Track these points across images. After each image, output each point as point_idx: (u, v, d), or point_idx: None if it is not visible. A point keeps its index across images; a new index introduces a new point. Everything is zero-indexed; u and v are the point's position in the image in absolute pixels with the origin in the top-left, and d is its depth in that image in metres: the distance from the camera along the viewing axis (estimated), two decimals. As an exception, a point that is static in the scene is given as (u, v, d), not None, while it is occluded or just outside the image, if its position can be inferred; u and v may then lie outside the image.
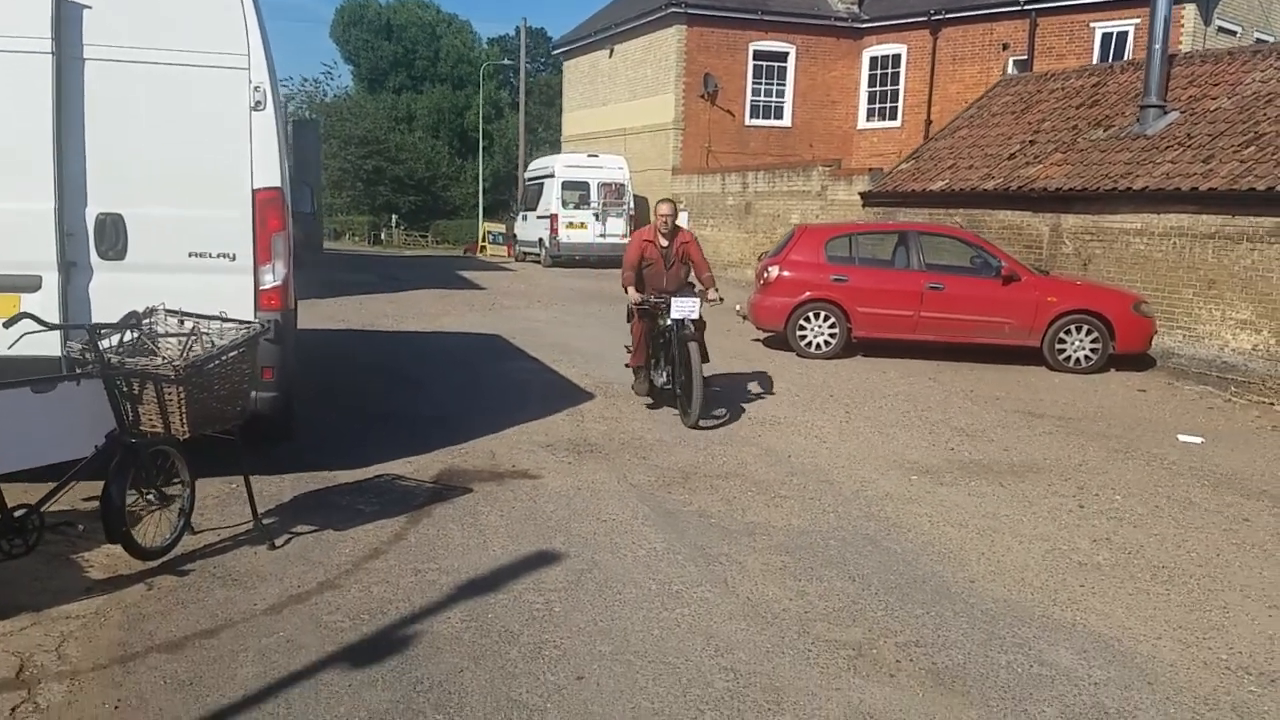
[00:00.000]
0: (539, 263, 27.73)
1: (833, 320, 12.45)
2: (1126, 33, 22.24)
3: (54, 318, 5.15)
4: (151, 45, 5.44)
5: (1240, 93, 14.01)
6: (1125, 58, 20.49)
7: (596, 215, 26.43)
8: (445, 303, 17.21)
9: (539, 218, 27.44)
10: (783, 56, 27.32)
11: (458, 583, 4.74)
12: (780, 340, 12.82)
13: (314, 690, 3.65)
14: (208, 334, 4.82)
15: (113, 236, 5.49)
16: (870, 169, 20.03)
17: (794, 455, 7.52)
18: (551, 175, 26.99)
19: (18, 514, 4.23)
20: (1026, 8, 23.42)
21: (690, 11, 26.14)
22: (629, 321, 9.05)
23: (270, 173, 5.67)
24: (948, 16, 25.09)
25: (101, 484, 4.49)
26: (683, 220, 27.47)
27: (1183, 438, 8.77)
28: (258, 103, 5.60)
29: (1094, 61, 21.69)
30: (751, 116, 27.48)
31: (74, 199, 5.42)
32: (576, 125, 33.58)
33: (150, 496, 4.80)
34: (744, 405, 9.23)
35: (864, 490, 6.66)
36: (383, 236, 54.58)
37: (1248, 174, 12.09)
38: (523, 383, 10.02)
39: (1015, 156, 16.08)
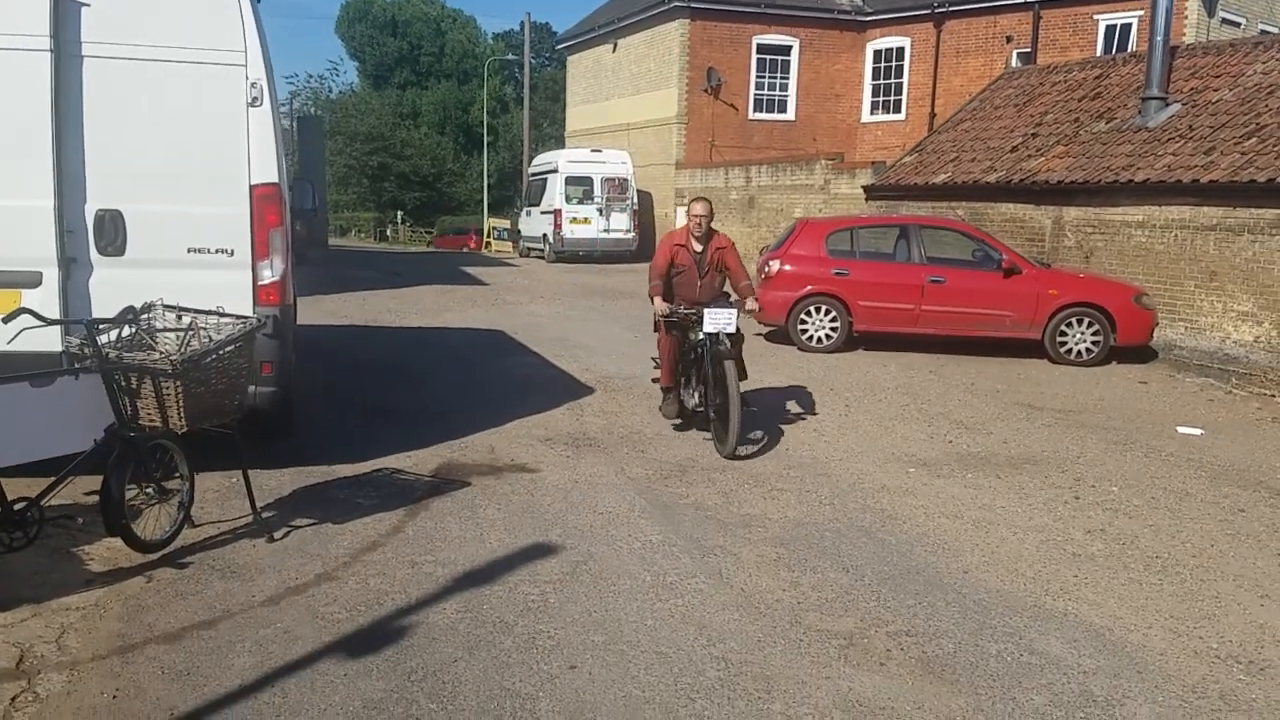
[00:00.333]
0: (543, 258, 27.76)
1: (834, 314, 12.47)
2: (1130, 24, 22.19)
3: (54, 313, 5.20)
4: (149, 42, 5.48)
5: (1242, 84, 13.98)
6: (1129, 49, 20.44)
7: (600, 210, 26.45)
8: (448, 298, 17.26)
9: (543, 213, 27.47)
10: (786, 50, 27.29)
11: (454, 575, 4.78)
12: (782, 334, 12.84)
13: (310, 680, 3.70)
14: (205, 329, 4.87)
15: (112, 232, 5.55)
16: (873, 162, 20.02)
17: (792, 448, 7.55)
18: (555, 171, 27.00)
19: (18, 507, 4.28)
20: (1030, 0, 23.37)
21: (693, 5, 26.12)
22: (655, 332, 7.93)
23: (267, 169, 5.71)
24: (951, 9, 25.06)
25: (101, 478, 4.54)
26: (685, 216, 27.71)
27: (1182, 430, 8.78)
28: (254, 99, 5.65)
29: (1098, 54, 21.65)
30: (755, 110, 27.47)
31: (73, 195, 5.47)
32: (580, 120, 33.59)
33: (149, 490, 4.85)
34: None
35: (861, 483, 6.69)
36: (388, 233, 54.70)
37: (1249, 166, 12.07)
38: (523, 378, 10.06)
39: (1017, 149, 16.06)
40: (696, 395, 7.55)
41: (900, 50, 26.68)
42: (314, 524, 5.39)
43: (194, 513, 5.18)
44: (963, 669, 4.02)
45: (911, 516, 6.01)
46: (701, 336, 7.25)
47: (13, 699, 3.48)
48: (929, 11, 25.43)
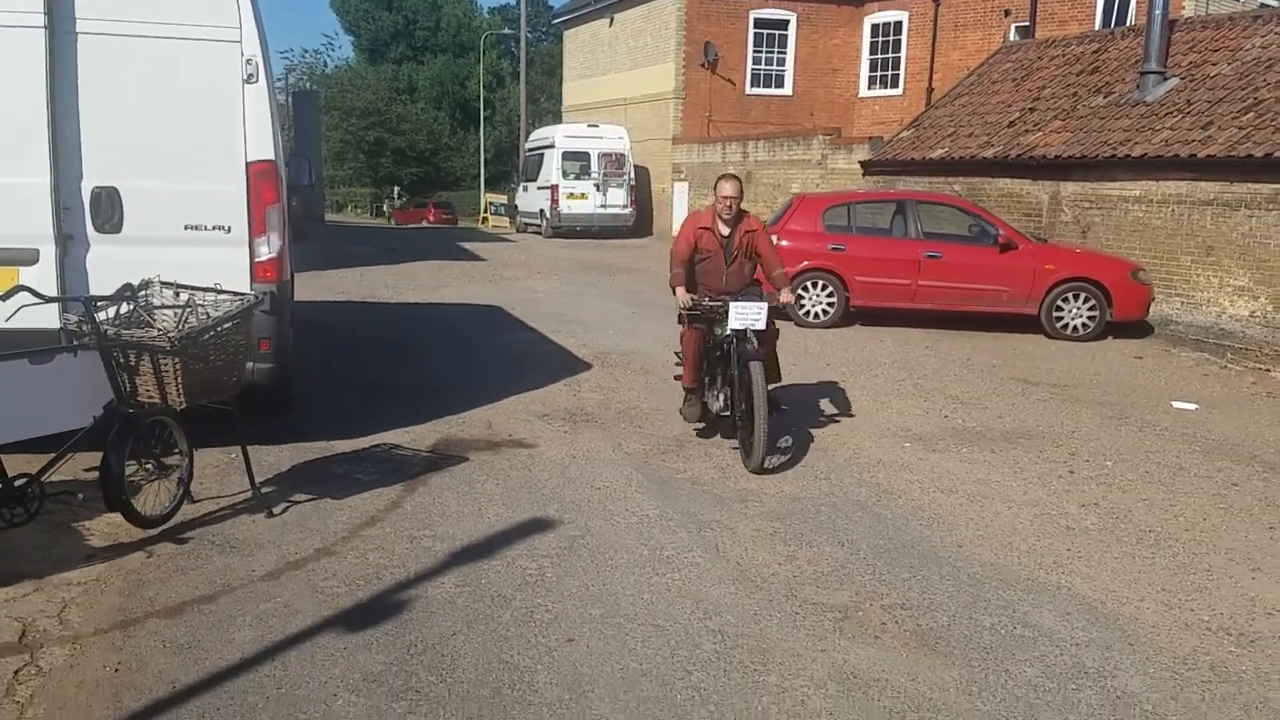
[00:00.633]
0: (540, 234, 27.70)
1: (831, 289, 12.48)
2: (1129, -3, 22.05)
3: (51, 291, 5.20)
4: (144, 19, 5.46)
5: (1240, 58, 13.93)
6: (1128, 23, 20.33)
7: (597, 186, 26.37)
8: (445, 274, 17.24)
9: (540, 188, 27.39)
10: (783, 24, 27.11)
11: (452, 549, 4.82)
12: (778, 309, 12.82)
13: (310, 653, 3.73)
14: (203, 306, 4.88)
15: (108, 210, 5.54)
16: (870, 137, 19.96)
17: (789, 423, 7.57)
18: (552, 146, 26.90)
19: (18, 483, 4.31)
20: (1029, -27, 23.20)
21: (690, -21, 25.95)
22: (680, 325, 7.07)
23: (264, 145, 5.70)
24: (949, -18, 24.88)
25: (100, 454, 4.57)
26: (682, 191, 27.57)
27: (1177, 404, 8.82)
28: (250, 75, 5.63)
29: (1096, 27, 21.52)
30: (752, 85, 27.32)
31: (69, 173, 5.46)
32: (577, 95, 33.42)
33: (149, 466, 4.88)
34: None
35: (857, 457, 6.72)
36: (385, 208, 54.52)
37: (1246, 140, 12.05)
38: (521, 353, 10.07)
39: (1015, 124, 16.01)
40: (721, 398, 6.78)
41: (898, 24, 26.51)
42: (313, 499, 5.42)
43: (193, 488, 5.21)
44: (956, 641, 4.06)
45: (907, 491, 6.05)
46: (727, 333, 6.46)
47: (15, 672, 3.52)
48: (927, -16, 25.26)
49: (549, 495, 5.70)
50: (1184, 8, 20.22)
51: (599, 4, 30.59)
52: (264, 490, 5.39)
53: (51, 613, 3.98)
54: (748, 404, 6.24)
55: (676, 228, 27.65)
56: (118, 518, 4.71)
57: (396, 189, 55.29)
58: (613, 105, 29.78)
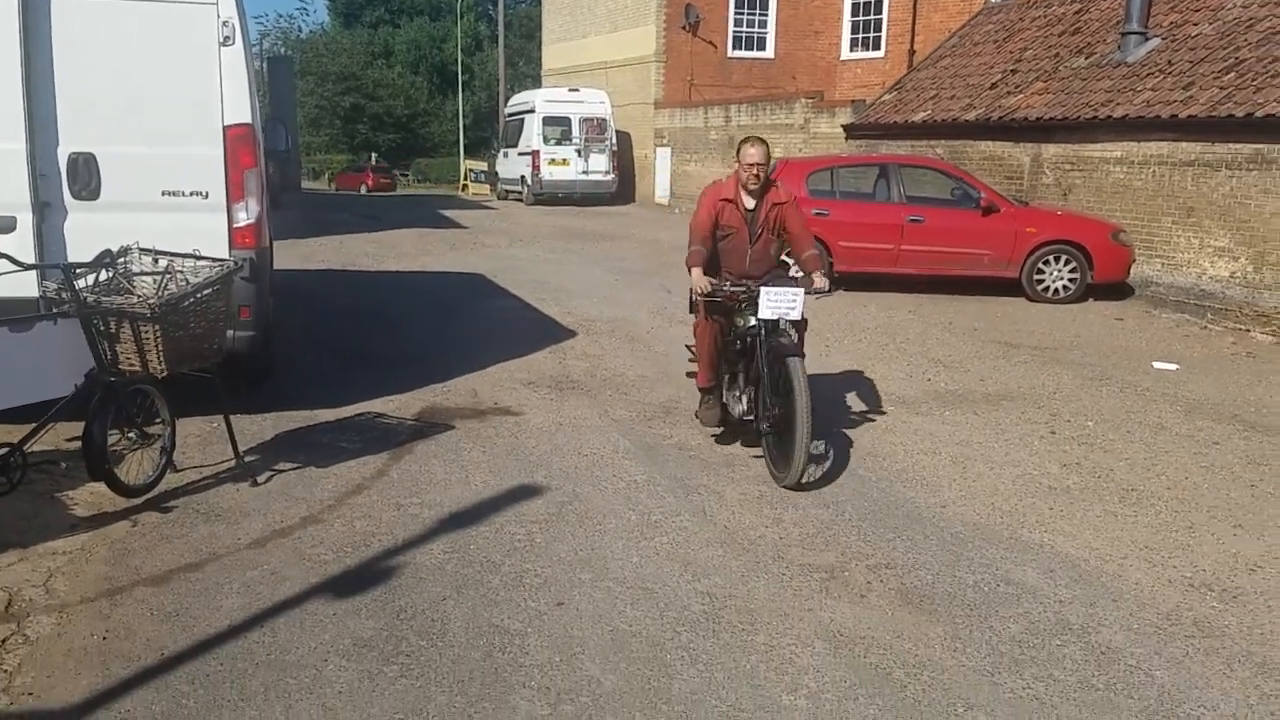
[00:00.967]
0: (521, 201, 27.53)
1: (814, 254, 12.45)
2: (1111, -42, 21.94)
3: (29, 258, 5.14)
4: None
5: (1221, 18, 13.90)
6: (1109, -16, 20.24)
7: (579, 151, 26.19)
8: (426, 241, 17.13)
9: (520, 155, 27.18)
10: (764, -14, 26.91)
11: (440, 516, 4.82)
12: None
13: (299, 620, 3.73)
14: (182, 272, 4.83)
15: (85, 176, 5.47)
16: (853, 101, 19.88)
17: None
18: (532, 111, 26.67)
19: (0, 453, 4.27)
20: (1011, -67, 23.05)
21: (670, -61, 25.65)
22: (692, 314, 6.17)
23: (241, 109, 5.63)
24: (931, -57, 24.68)
25: (82, 423, 4.53)
26: (665, 156, 27.42)
27: (1158, 365, 8.88)
28: (226, 38, 5.54)
29: (1078, -12, 21.42)
30: (734, 48, 27.11)
31: (45, 139, 5.38)
32: (557, 59, 33.10)
33: (131, 435, 4.85)
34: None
35: (841, 421, 6.75)
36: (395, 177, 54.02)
37: (1227, 100, 12.06)
38: (505, 321, 10.04)
39: (996, 86, 15.97)
40: (745, 400, 5.82)
41: (880, -15, 26.34)
42: (297, 468, 5.40)
43: (176, 458, 5.18)
44: (940, 599, 4.10)
45: (891, 453, 6.08)
46: (753, 323, 5.58)
47: (2, 641, 3.51)
48: (909, -55, 25.06)
49: (536, 462, 5.70)
50: (1165, -32, 20.12)
51: (578, -34, 30.27)
52: (248, 459, 5.37)
53: (37, 582, 3.97)
54: (785, 409, 5.30)
55: (659, 193, 27.83)
56: (101, 487, 4.68)
57: (374, 155, 54.73)
58: (593, 69, 29.52)
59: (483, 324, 9.79)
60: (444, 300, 11.15)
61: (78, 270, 4.60)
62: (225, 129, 5.60)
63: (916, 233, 12.27)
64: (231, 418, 5.34)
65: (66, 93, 5.37)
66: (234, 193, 5.66)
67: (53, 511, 4.66)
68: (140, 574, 4.07)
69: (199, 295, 4.77)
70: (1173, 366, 8.84)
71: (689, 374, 6.53)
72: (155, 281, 4.77)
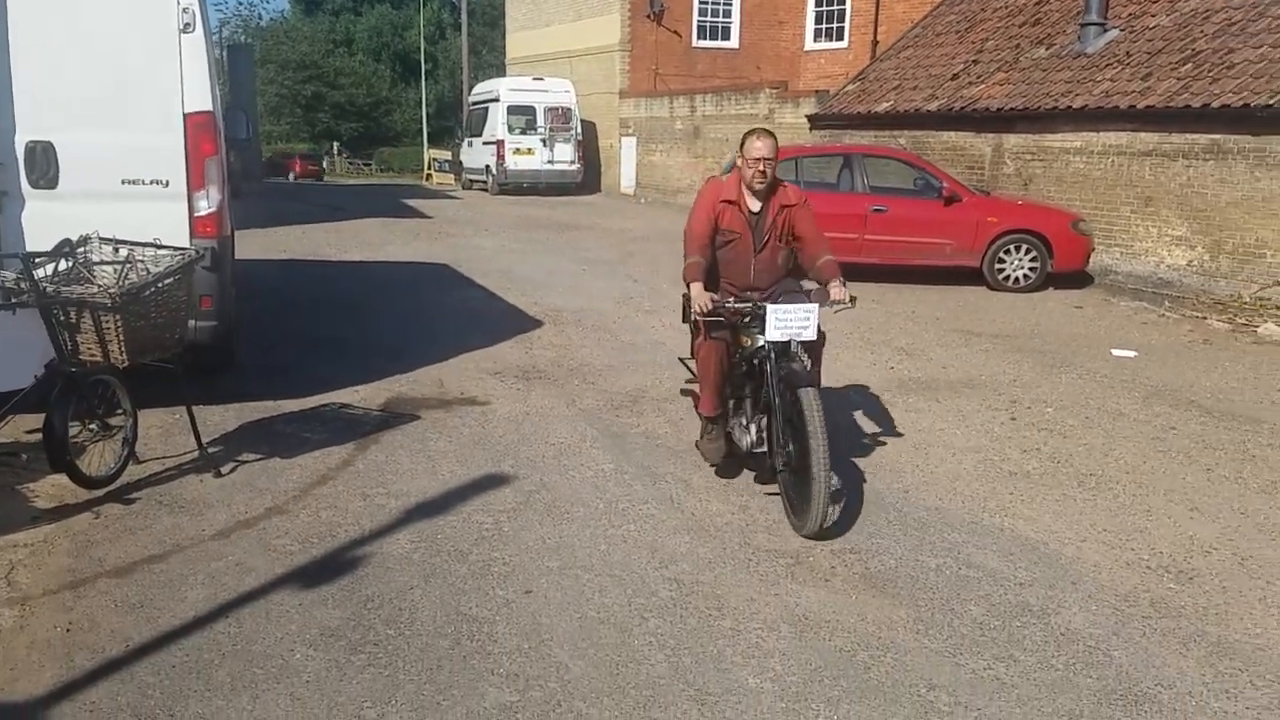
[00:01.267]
0: (486, 190, 27.40)
1: (779, 243, 12.52)
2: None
3: (-15, 249, 5.06)
4: None
5: (1179, 10, 14.12)
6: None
7: (544, 141, 26.11)
8: (389, 231, 17.02)
9: (485, 144, 27.06)
10: (729, -25, 26.93)
11: (406, 506, 4.81)
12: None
13: (264, 610, 3.72)
14: (143, 261, 4.77)
15: (43, 165, 5.39)
16: (817, 91, 19.98)
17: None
18: (496, 100, 26.55)
19: (-43, 446, 4.21)
20: (972, -75, 23.21)
21: (634, -72, 25.60)
22: (685, 323, 5.49)
23: (201, 96, 5.57)
24: (894, -66, 24.81)
25: (43, 415, 4.47)
26: (630, 146, 27.39)
27: (1116, 352, 9.02)
28: (186, 25, 5.48)
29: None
30: (699, 38, 27.14)
31: (2, 127, 5.29)
32: (520, 47, 32.95)
33: (93, 426, 4.80)
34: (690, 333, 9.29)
35: (806, 408, 6.79)
36: (324, 165, 53.49)
37: (1184, 91, 12.26)
38: (470, 311, 10.00)
39: (958, 77, 16.12)
40: (754, 430, 5.05)
41: (843, -24, 26.44)
42: (261, 459, 5.36)
43: (138, 449, 5.13)
44: (903, 583, 4.16)
45: (854, 440, 6.14)
46: (762, 344, 4.84)
47: (-37, 636, 3.46)
48: (872, -64, 25.17)
49: (503, 451, 5.70)
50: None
51: (542, -47, 30.12)
52: (211, 450, 5.33)
53: (-2, 575, 3.92)
54: (799, 446, 4.58)
55: (625, 183, 27.80)
56: (63, 479, 4.63)
57: (336, 144, 54.24)
58: (557, 58, 29.41)
59: (448, 314, 9.75)
60: (409, 291, 11.10)
61: (37, 260, 4.54)
62: (185, 116, 5.54)
63: (880, 222, 12.37)
64: (194, 408, 5.30)
65: (23, 80, 5.28)
66: (195, 181, 5.60)
67: (13, 504, 4.60)
68: (103, 566, 4.03)
69: (160, 285, 4.72)
70: (1131, 353, 8.99)
71: (684, 391, 5.94)
72: (116, 271, 4.72)
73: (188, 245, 5.33)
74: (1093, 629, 3.82)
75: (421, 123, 46.86)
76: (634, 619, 3.77)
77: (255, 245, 13.37)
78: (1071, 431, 6.47)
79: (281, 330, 8.60)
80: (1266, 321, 10.41)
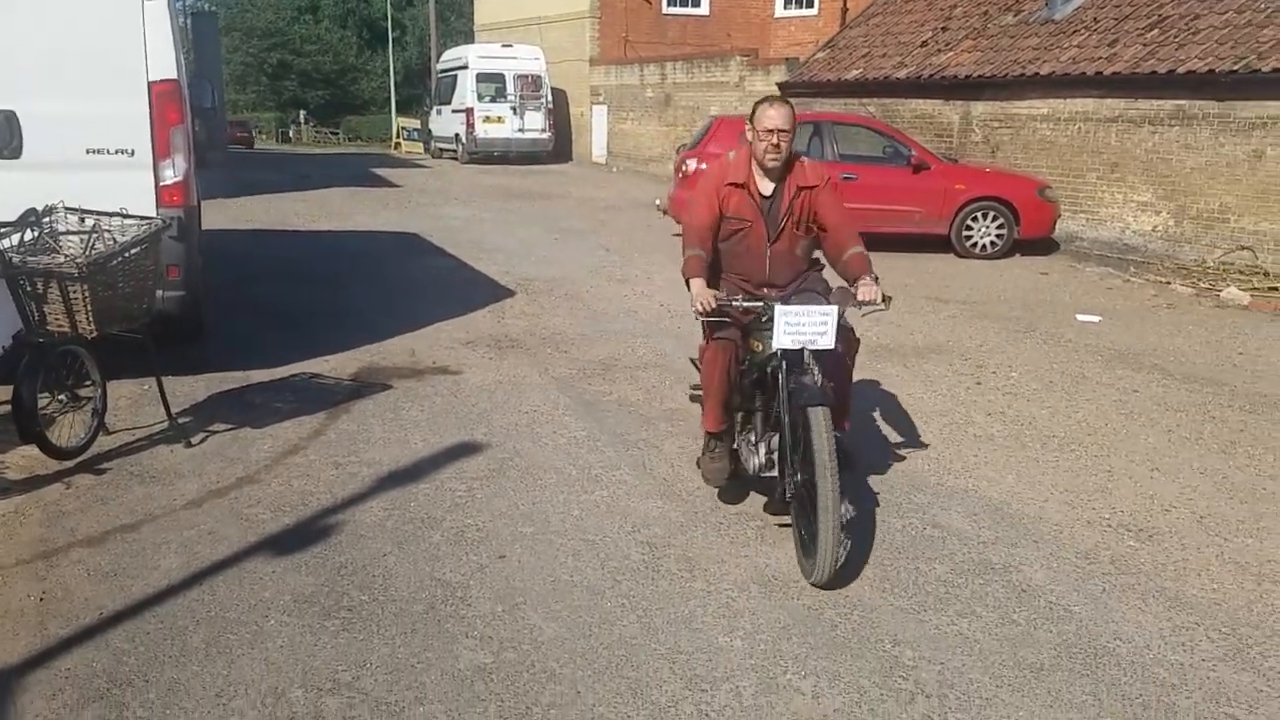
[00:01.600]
0: (456, 159, 27.20)
1: (749, 211, 12.54)
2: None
3: (-52, 220, 4.99)
4: None
5: (1146, -23, 14.18)
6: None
7: (514, 109, 25.93)
8: (358, 201, 16.89)
9: (454, 112, 26.83)
10: (699, -59, 26.74)
11: (379, 474, 4.83)
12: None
13: (238, 577, 3.74)
14: (109, 231, 4.74)
15: (6, 134, 5.32)
16: (787, 59, 19.95)
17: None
18: (465, 67, 26.30)
19: (-75, 418, 4.19)
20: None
21: (603, -107, 25.35)
22: (704, 336, 4.52)
23: (166, 64, 5.50)
24: (864, -101, 24.71)
25: (10, 387, 4.45)
26: (602, 114, 27.23)
27: (1081, 317, 9.15)
28: (150, -9, 5.40)
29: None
30: (669, 4, 27.01)
31: None
32: (490, 14, 32.61)
33: (62, 397, 4.78)
34: (662, 301, 9.34)
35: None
36: (291, 134, 52.83)
37: (1150, 57, 12.36)
38: (441, 281, 9.98)
39: (927, 44, 16.14)
40: (762, 451, 4.30)
41: (813, -58, 26.34)
42: (232, 429, 5.36)
43: (108, 420, 5.11)
44: (870, 542, 4.24)
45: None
46: (774, 351, 4.05)
47: (-65, 607, 3.47)
48: (842, -99, 25.06)
49: (476, 420, 5.72)
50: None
51: (510, -82, 29.75)
52: (181, 420, 5.31)
53: (-31, 547, 3.92)
54: (807, 474, 3.89)
55: (596, 152, 27.71)
56: (33, 450, 4.62)
57: (303, 113, 53.55)
58: (527, 24, 29.16)
59: (419, 284, 9.72)
60: (379, 260, 11.05)
61: (2, 230, 4.50)
62: (150, 85, 5.48)
63: (849, 190, 12.32)
64: (163, 379, 5.28)
65: None
66: (160, 150, 5.55)
67: (-18, 476, 4.59)
68: (76, 535, 4.03)
69: (127, 254, 4.69)
70: (1095, 318, 9.12)
71: (692, 397, 5.18)
72: (82, 241, 4.68)
73: (154, 215, 5.29)
74: (1053, 585, 3.92)
75: (389, 90, 46.33)
76: (607, 582, 3.83)
77: (223, 215, 13.25)
78: (1035, 395, 6.58)
79: (250, 301, 8.55)
80: (1229, 285, 10.58)
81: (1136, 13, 13.49)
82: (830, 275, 4.49)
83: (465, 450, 5.21)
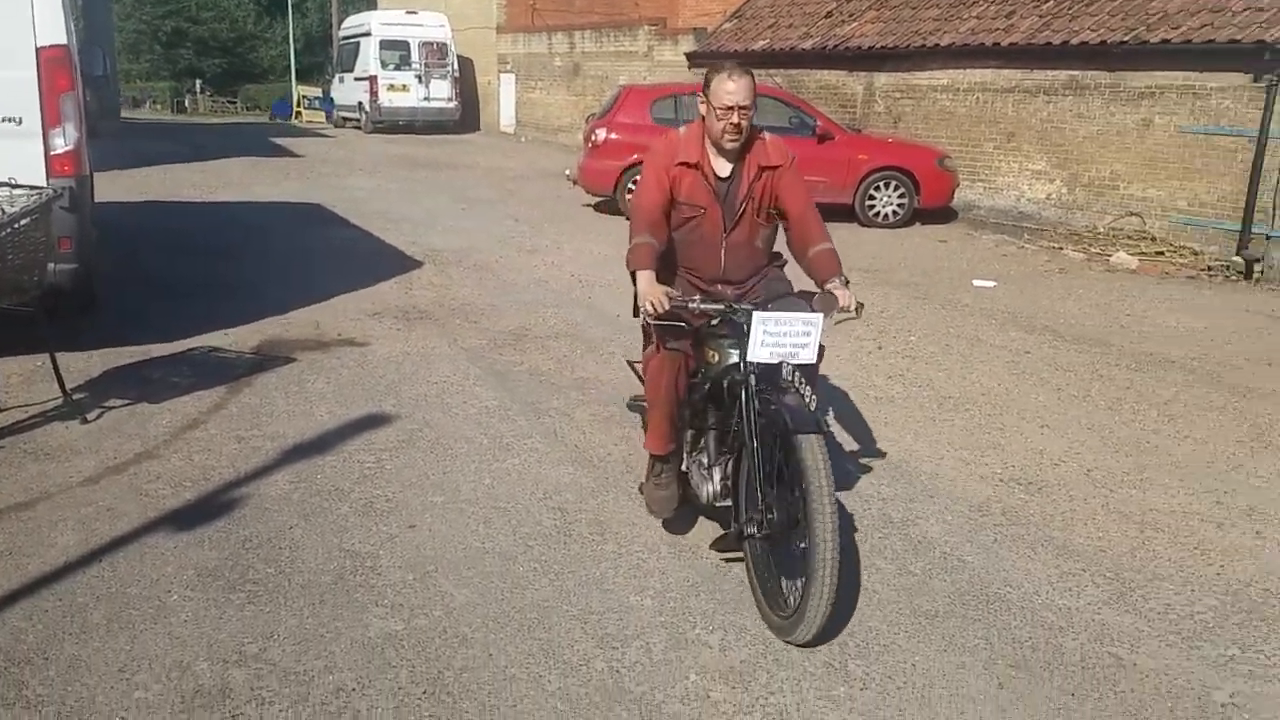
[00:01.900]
0: (360, 128, 26.63)
1: (658, 181, 12.58)
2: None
3: None
4: None
5: (1040, -49, 14.56)
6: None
7: (419, 77, 25.46)
8: (258, 171, 16.45)
9: (356, 80, 26.22)
10: (605, -92, 26.50)
11: (284, 448, 4.76)
12: (610, 204, 12.92)
13: (139, 553, 3.67)
14: (-6, 202, 4.56)
15: None
16: (695, 29, 19.98)
17: (623, 314, 7.71)
18: (368, 34, 25.71)
19: None
20: None
21: None
22: (636, 318, 3.75)
23: (55, 29, 5.30)
24: None
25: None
26: (509, 83, 26.91)
27: (977, 283, 9.45)
28: (34, -47, 5.18)
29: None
30: (575, -28, 26.73)
31: None
32: (392, -19, 31.86)
33: (-54, 375, 4.60)
34: (573, 271, 9.34)
35: (685, 342, 6.94)
36: (186, 104, 50.97)
37: (1045, 28, 12.72)
38: (347, 252, 9.81)
39: (831, 15, 16.34)
40: (717, 478, 3.78)
41: (720, -89, 26.31)
42: (129, 404, 5.22)
43: (0, 397, 4.95)
44: (777, 503, 4.35)
45: (732, 371, 6.31)
46: (735, 362, 3.52)
47: None
48: None
49: (384, 391, 5.68)
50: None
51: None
52: (76, 397, 5.17)
53: None
54: (784, 511, 3.33)
55: (504, 122, 27.43)
56: (-85, 431, 4.45)
57: (199, 82, 51.70)
58: (431, -8, 28.59)
59: (323, 255, 9.54)
60: (281, 231, 10.80)
61: (-125, 200, 4.30)
62: (38, 51, 5.26)
63: (757, 159, 12.52)
64: (56, 354, 5.11)
65: None
66: (50, 118, 5.35)
67: None
68: (-35, 516, 3.90)
69: (16, 225, 4.52)
70: (991, 284, 9.42)
71: (632, 406, 4.69)
72: (-36, 211, 4.50)
73: (44, 184, 5.11)
74: (948, 537, 4.09)
75: (289, 59, 45.00)
76: (519, 548, 3.86)
77: (117, 187, 12.79)
78: (933, 358, 6.79)
79: (146, 274, 8.29)
80: (1118, 250, 11.02)
81: (1032, -15, 13.85)
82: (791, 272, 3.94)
83: (373, 422, 5.17)
